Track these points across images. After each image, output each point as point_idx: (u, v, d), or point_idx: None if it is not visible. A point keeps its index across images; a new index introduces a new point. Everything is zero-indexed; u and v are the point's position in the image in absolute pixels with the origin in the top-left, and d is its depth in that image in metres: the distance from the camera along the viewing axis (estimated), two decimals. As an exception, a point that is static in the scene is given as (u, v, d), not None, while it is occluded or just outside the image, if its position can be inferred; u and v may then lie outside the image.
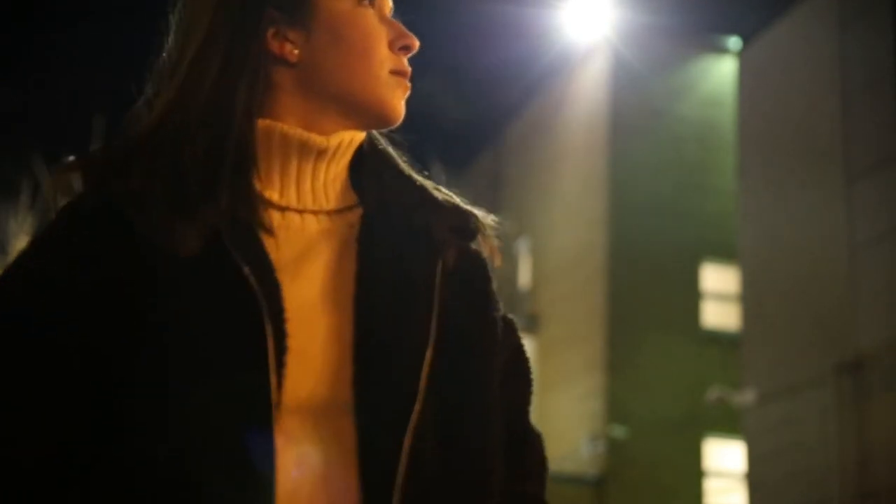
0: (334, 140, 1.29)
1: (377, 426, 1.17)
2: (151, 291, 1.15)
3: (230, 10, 1.26)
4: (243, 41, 1.25)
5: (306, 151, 1.28)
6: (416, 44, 1.32)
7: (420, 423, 1.17)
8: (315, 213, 1.28)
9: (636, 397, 16.47)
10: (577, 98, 18.98)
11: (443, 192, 1.35)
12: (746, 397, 13.40)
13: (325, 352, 1.19)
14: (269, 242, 1.21)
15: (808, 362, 12.40)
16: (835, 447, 11.71)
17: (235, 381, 1.13)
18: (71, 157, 1.26)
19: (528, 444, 1.39)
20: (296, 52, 1.27)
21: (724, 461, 16.55)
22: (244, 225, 1.20)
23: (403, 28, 1.32)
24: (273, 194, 1.26)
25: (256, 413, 1.13)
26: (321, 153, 1.28)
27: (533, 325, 18.13)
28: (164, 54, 1.30)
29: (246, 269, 1.16)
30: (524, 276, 19.65)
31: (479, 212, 1.36)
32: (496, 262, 1.36)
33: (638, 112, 17.92)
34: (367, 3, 1.29)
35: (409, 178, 1.35)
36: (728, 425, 15.76)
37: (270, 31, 1.26)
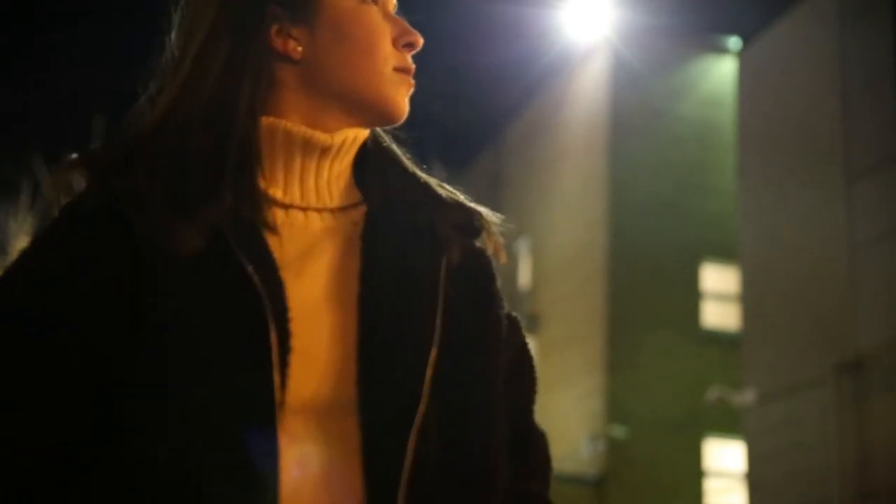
0: (338, 137, 1.28)
1: (381, 425, 1.16)
2: (152, 291, 1.15)
3: (233, 7, 1.25)
4: (246, 38, 1.24)
5: (310, 149, 1.27)
6: (420, 41, 1.31)
7: (424, 422, 1.17)
8: (319, 210, 1.28)
9: (636, 397, 16.47)
10: (577, 98, 18.98)
11: (447, 190, 1.35)
12: (746, 397, 13.39)
13: (328, 351, 1.19)
14: (272, 241, 1.21)
15: (808, 362, 12.40)
16: (835, 447, 11.71)
17: (238, 380, 1.12)
18: (73, 155, 1.26)
19: (532, 443, 1.38)
20: (299, 49, 1.26)
21: (724, 461, 16.55)
22: (247, 223, 1.20)
23: (407, 25, 1.31)
24: (277, 192, 1.26)
25: (259, 413, 1.12)
26: (325, 151, 1.28)
27: (533, 325, 18.13)
28: (166, 51, 1.30)
29: (249, 268, 1.16)
30: (524, 276, 19.65)
31: (483, 209, 1.35)
32: (500, 260, 1.36)
33: (638, 112, 17.92)
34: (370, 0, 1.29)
35: (413, 175, 1.35)
36: (728, 425, 15.76)
37: (274, 28, 1.26)
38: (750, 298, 13.99)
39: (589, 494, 15.95)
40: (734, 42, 17.67)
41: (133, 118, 1.29)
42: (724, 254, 16.95)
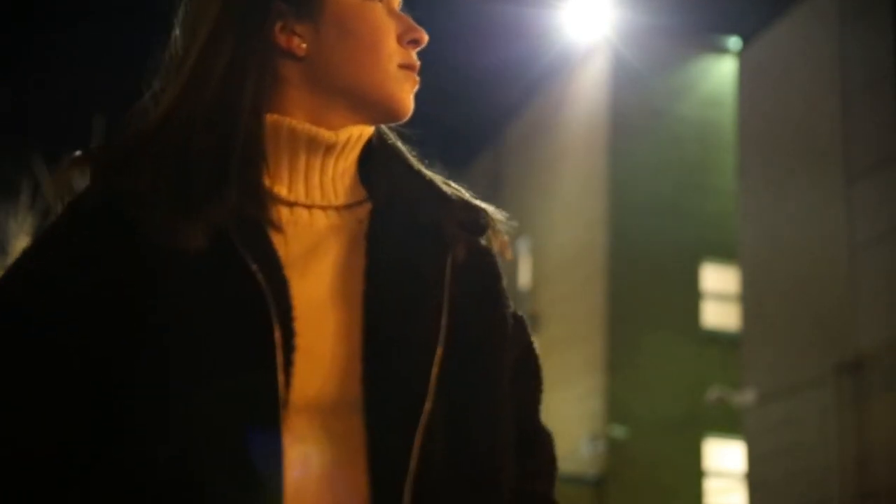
0: (343, 135, 1.28)
1: (386, 425, 1.15)
2: (154, 291, 1.14)
3: (237, 4, 1.24)
4: (250, 35, 1.24)
5: (315, 146, 1.26)
6: (425, 37, 1.30)
7: (430, 421, 1.16)
8: (323, 208, 1.27)
9: (636, 397, 16.47)
10: (577, 98, 18.98)
11: (452, 187, 1.34)
12: (746, 397, 13.39)
13: (333, 350, 1.18)
14: (277, 239, 1.20)
15: (808, 362, 12.40)
16: (835, 447, 11.71)
17: (242, 379, 1.12)
18: (77, 153, 1.25)
19: (538, 443, 1.38)
20: (303, 45, 1.25)
21: (724, 461, 16.55)
22: (251, 221, 1.19)
23: (412, 22, 1.30)
24: (281, 190, 1.25)
25: (263, 412, 1.11)
26: (330, 148, 1.27)
27: (533, 324, 18.08)
28: (169, 49, 1.29)
29: (253, 266, 1.15)
30: (524, 276, 19.64)
31: (488, 207, 1.34)
32: (506, 257, 1.35)
33: (638, 112, 17.91)
34: None
35: (419, 172, 1.34)
36: (728, 425, 15.75)
37: (278, 25, 1.25)
38: (750, 298, 13.98)
39: (589, 494, 15.95)
40: (734, 42, 17.67)
41: (136, 116, 1.28)
42: (724, 254, 16.95)
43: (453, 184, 1.35)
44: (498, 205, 1.38)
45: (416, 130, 1.37)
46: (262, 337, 1.13)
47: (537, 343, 1.43)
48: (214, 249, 1.15)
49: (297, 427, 1.14)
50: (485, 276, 1.31)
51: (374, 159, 1.33)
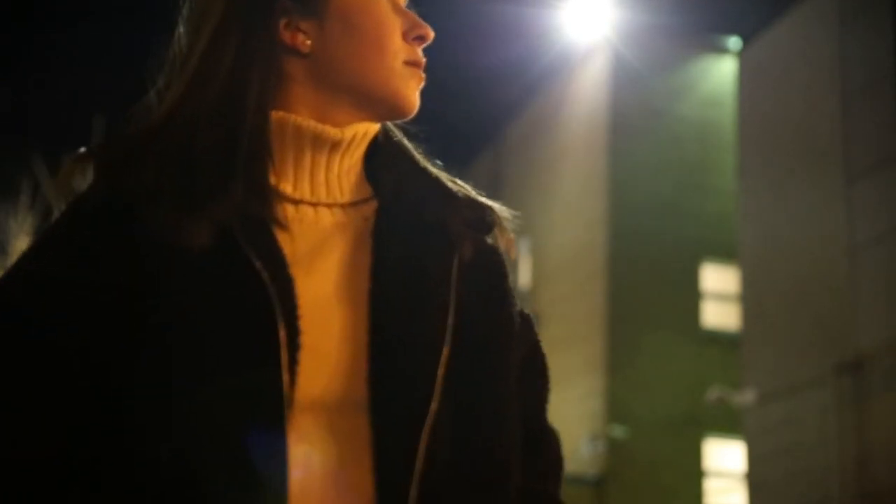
0: (348, 132, 1.27)
1: (392, 424, 1.15)
2: (157, 290, 1.13)
3: (242, 1, 1.24)
4: (255, 32, 1.23)
5: (320, 144, 1.25)
6: (431, 34, 1.29)
7: (436, 420, 1.15)
8: (329, 206, 1.26)
9: (636, 397, 16.47)
10: (577, 98, 18.98)
11: (458, 185, 1.33)
12: (746, 397, 13.39)
13: (339, 348, 1.17)
14: (282, 236, 1.19)
15: (808, 362, 12.40)
16: (835, 447, 11.71)
17: (246, 378, 1.11)
18: (81, 149, 1.24)
19: (544, 442, 1.37)
20: (308, 42, 1.25)
21: (724, 461, 16.55)
22: (256, 219, 1.18)
23: (417, 18, 1.30)
24: (287, 187, 1.24)
25: (268, 411, 1.11)
26: (335, 145, 1.26)
27: (533, 325, 18.06)
28: (174, 45, 1.28)
29: (258, 264, 1.14)
30: (524, 276, 19.64)
31: (495, 204, 1.34)
32: (512, 256, 1.34)
33: (638, 112, 17.91)
34: None
35: (425, 170, 1.33)
36: (728, 425, 15.75)
37: (282, 22, 1.24)
38: (750, 298, 13.98)
39: (589, 494, 15.95)
40: (734, 42, 17.67)
41: (140, 113, 1.27)
42: (724, 254, 16.95)
43: (459, 181, 1.34)
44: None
45: (417, 128, 1.36)
46: (267, 335, 1.12)
47: (538, 343, 1.42)
48: (219, 247, 1.15)
49: (301, 426, 1.13)
50: (491, 274, 1.30)
51: (379, 156, 1.32)
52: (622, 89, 17.81)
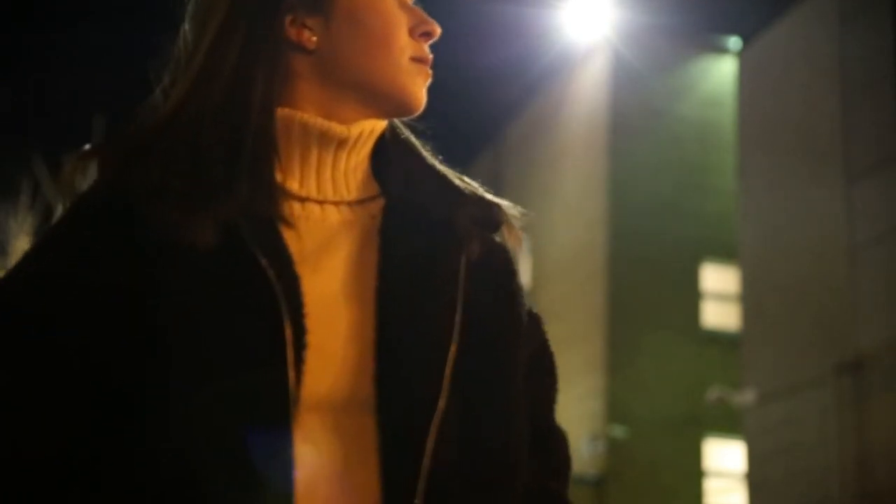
0: (355, 129, 1.26)
1: (399, 423, 1.14)
2: (161, 288, 1.12)
3: None
4: (261, 28, 1.22)
5: (327, 141, 1.25)
6: (438, 30, 1.28)
7: (443, 420, 1.14)
8: (336, 203, 1.25)
9: (636, 397, 16.47)
10: (577, 98, 18.98)
11: (466, 182, 1.32)
12: (746, 397, 13.39)
13: (345, 347, 1.16)
14: (288, 234, 1.18)
15: (808, 362, 12.40)
16: (835, 447, 11.71)
17: (252, 377, 1.10)
18: (85, 147, 1.23)
19: (552, 442, 1.36)
20: (314, 39, 1.24)
21: (724, 461, 16.55)
22: (262, 217, 1.17)
23: (424, 14, 1.29)
24: (293, 184, 1.23)
25: (274, 410, 1.10)
26: (342, 143, 1.25)
27: (533, 325, 18.04)
28: (179, 43, 1.27)
29: (264, 262, 1.13)
30: (524, 276, 19.62)
31: (503, 202, 1.32)
32: (521, 254, 1.33)
33: (638, 112, 17.92)
34: None
35: (432, 167, 1.32)
36: (728, 425, 15.75)
37: (288, 18, 1.23)
38: (750, 298, 13.98)
39: (589, 494, 15.95)
40: (734, 42, 17.67)
41: (147, 110, 1.26)
42: (724, 254, 16.95)
43: (467, 179, 1.33)
44: (498, 204, 1.36)
45: (419, 126, 1.35)
46: (273, 334, 1.11)
47: (538, 343, 1.41)
48: (224, 245, 1.14)
49: (307, 425, 1.12)
50: (499, 272, 1.29)
51: (386, 154, 1.31)
52: (622, 89, 17.81)
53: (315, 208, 1.24)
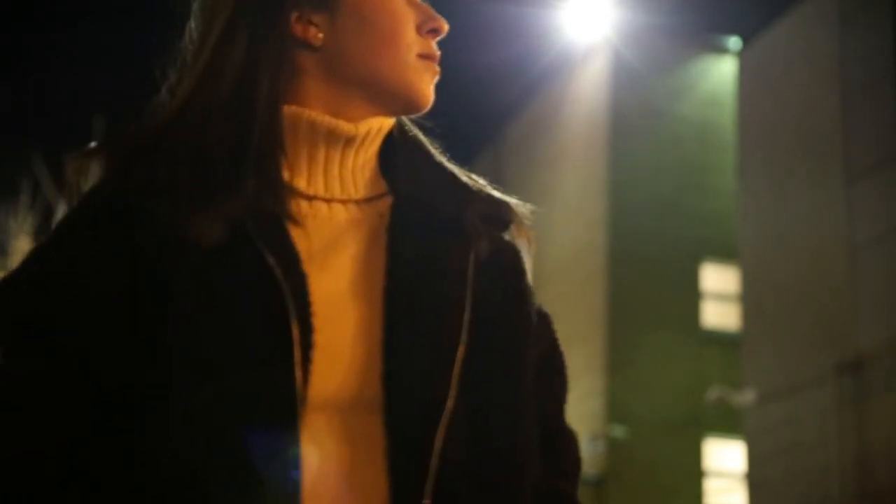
0: (363, 127, 1.25)
1: (407, 424, 1.13)
2: (168, 287, 1.11)
3: None
4: (266, 25, 1.21)
5: (334, 139, 1.24)
6: (446, 26, 1.27)
7: (451, 420, 1.13)
8: (343, 202, 1.24)
9: (636, 397, 16.47)
10: (577, 98, 18.98)
11: (475, 181, 1.31)
12: (746, 397, 13.40)
13: (353, 347, 1.15)
14: (295, 232, 1.17)
15: (808, 362, 12.41)
16: (835, 447, 11.71)
17: (258, 377, 1.09)
18: (92, 144, 1.22)
19: (562, 441, 1.34)
20: (320, 35, 1.23)
21: (724, 461, 16.55)
22: (269, 215, 1.16)
23: (431, 10, 1.27)
24: (300, 182, 1.22)
25: (280, 410, 1.09)
26: (350, 141, 1.24)
27: (533, 325, 18.04)
28: (185, 41, 1.27)
29: (271, 260, 1.12)
30: (524, 276, 19.62)
31: (512, 200, 1.32)
32: (531, 252, 1.32)
33: (638, 112, 17.92)
34: None
35: (441, 165, 1.31)
36: (728, 425, 15.76)
37: (294, 15, 1.22)
38: (750, 298, 13.99)
39: (589, 494, 15.95)
40: (734, 42, 17.67)
41: (154, 109, 1.26)
42: (724, 254, 16.95)
43: (475, 176, 1.32)
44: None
45: (427, 124, 1.34)
46: (280, 333, 1.10)
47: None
48: (231, 243, 1.13)
49: (314, 425, 1.11)
50: (508, 271, 1.28)
51: (395, 152, 1.30)
52: (622, 89, 17.81)
53: (322, 206, 1.23)
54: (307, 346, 1.11)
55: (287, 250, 1.15)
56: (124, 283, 1.13)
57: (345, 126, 1.24)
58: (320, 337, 1.12)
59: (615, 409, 16.41)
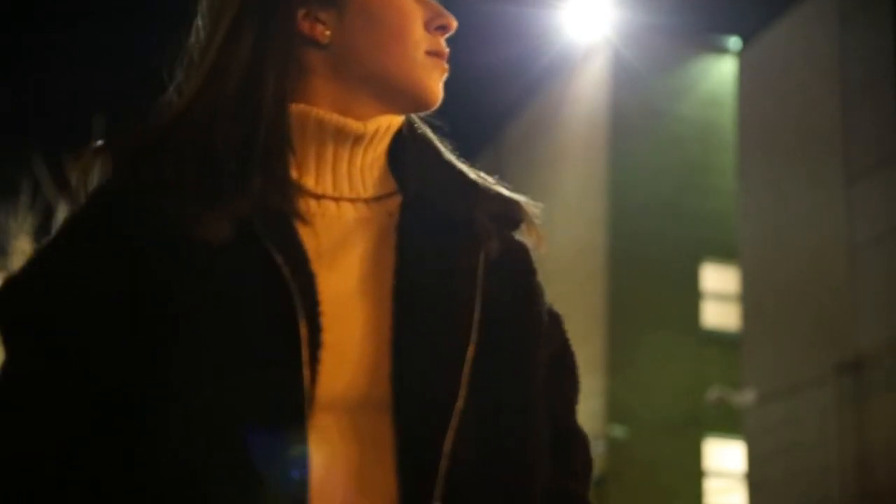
0: (371, 125, 1.24)
1: (416, 424, 1.12)
2: (174, 285, 1.11)
3: None
4: (273, 23, 1.20)
5: (343, 137, 1.23)
6: (454, 23, 1.26)
7: (461, 420, 1.12)
8: (352, 200, 1.23)
9: (636, 397, 16.47)
10: (577, 98, 18.99)
11: (484, 179, 1.30)
12: (746, 397, 13.40)
13: (361, 346, 1.14)
14: (303, 231, 1.16)
15: (808, 362, 12.41)
16: (835, 447, 11.72)
17: (266, 376, 1.08)
18: (98, 142, 1.22)
19: (573, 442, 1.33)
20: (327, 33, 1.22)
21: (724, 461, 16.55)
22: (277, 213, 1.15)
23: (440, 7, 1.26)
24: (308, 181, 1.21)
25: (288, 410, 1.08)
26: (358, 139, 1.23)
27: (533, 325, 18.05)
28: (192, 39, 1.26)
29: (279, 258, 1.11)
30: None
31: (522, 199, 1.31)
32: (542, 251, 1.31)
33: (638, 112, 17.92)
34: None
35: (450, 164, 1.30)
36: (728, 425, 15.76)
37: (301, 12, 1.22)
38: (750, 298, 13.99)
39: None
40: (734, 42, 17.68)
41: (162, 108, 1.25)
42: (724, 254, 16.96)
43: (485, 175, 1.31)
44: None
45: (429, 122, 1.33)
46: (288, 332, 1.09)
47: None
48: (238, 242, 1.12)
49: (322, 425, 1.10)
50: (518, 271, 1.27)
51: (403, 150, 1.29)
52: (622, 89, 17.82)
53: (331, 205, 1.22)
54: (315, 345, 1.10)
55: (295, 249, 1.14)
56: (126, 283, 1.13)
57: (353, 124, 1.23)
58: (328, 336, 1.11)
59: (615, 409, 16.41)
